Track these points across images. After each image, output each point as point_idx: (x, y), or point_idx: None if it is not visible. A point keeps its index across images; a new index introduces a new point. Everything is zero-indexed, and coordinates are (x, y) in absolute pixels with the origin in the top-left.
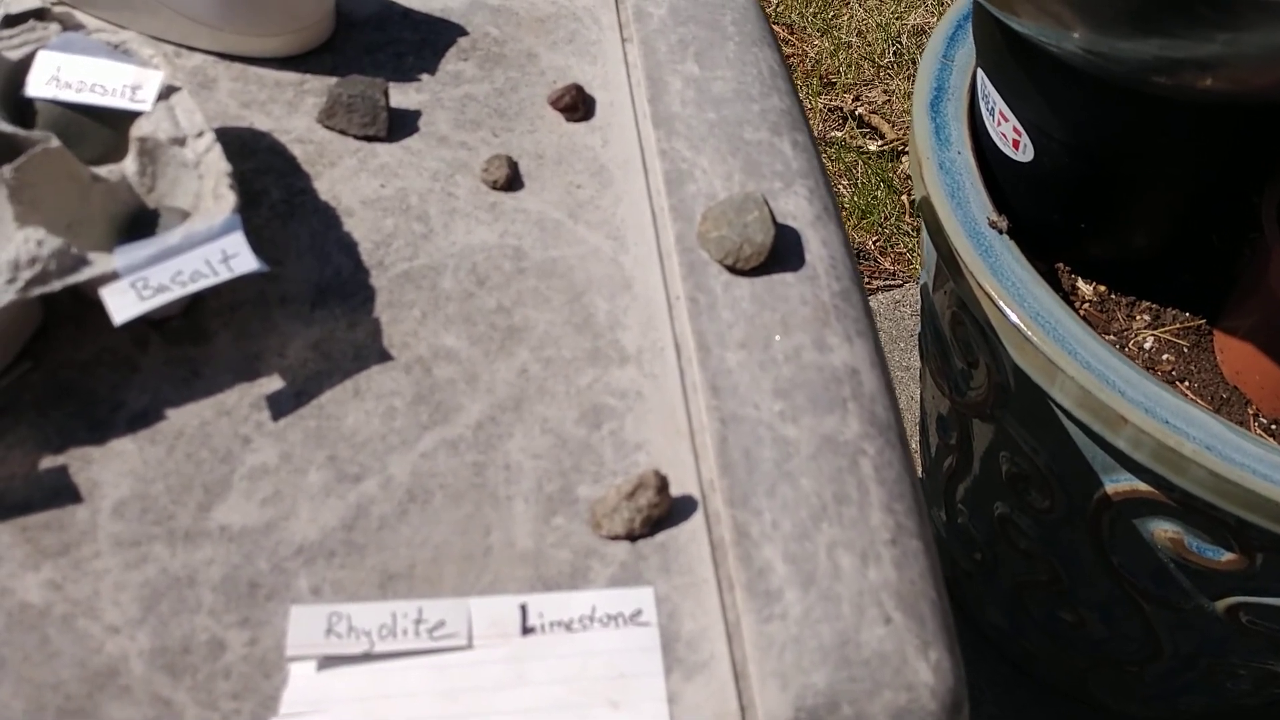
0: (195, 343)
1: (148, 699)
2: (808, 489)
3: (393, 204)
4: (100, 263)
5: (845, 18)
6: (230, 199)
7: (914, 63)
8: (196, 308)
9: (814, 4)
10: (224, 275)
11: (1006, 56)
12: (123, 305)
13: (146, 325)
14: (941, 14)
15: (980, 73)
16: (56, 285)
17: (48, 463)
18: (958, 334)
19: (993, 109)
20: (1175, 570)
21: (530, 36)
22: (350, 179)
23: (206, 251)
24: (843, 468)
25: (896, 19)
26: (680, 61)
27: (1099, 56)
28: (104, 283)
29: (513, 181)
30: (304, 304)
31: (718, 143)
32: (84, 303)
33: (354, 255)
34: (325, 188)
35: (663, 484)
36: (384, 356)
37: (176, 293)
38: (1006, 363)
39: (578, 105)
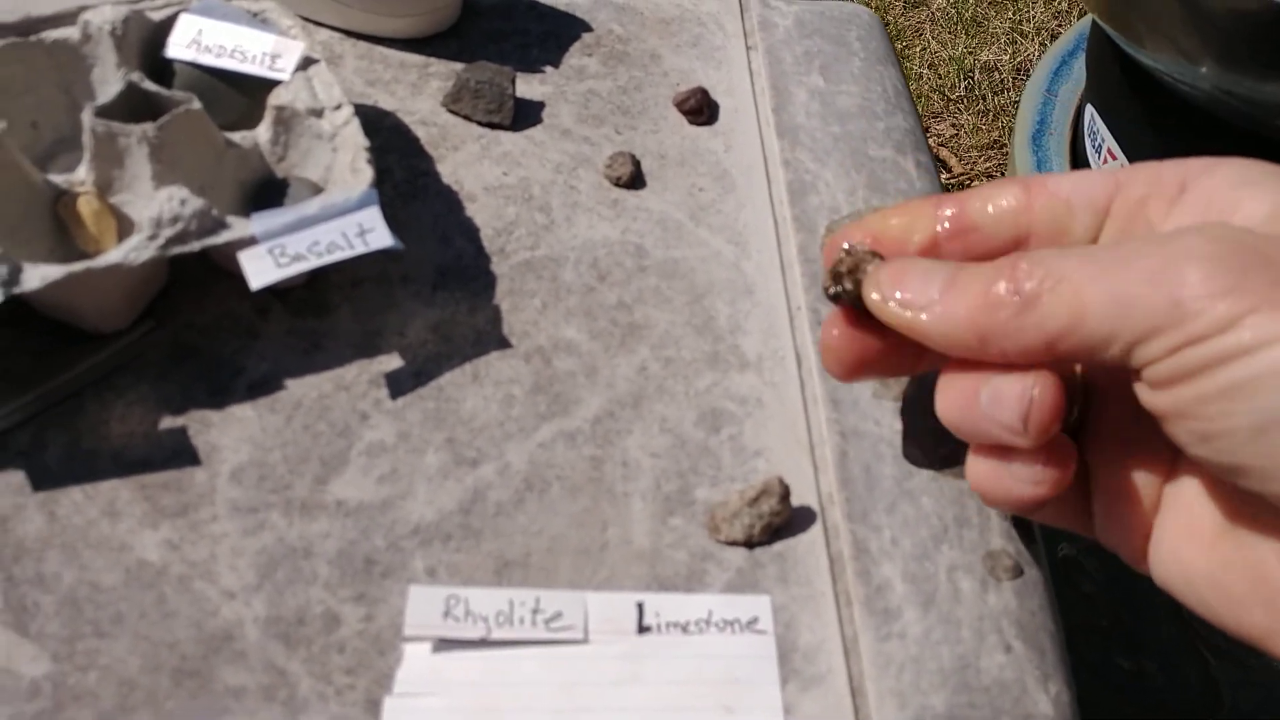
0: (317, 315)
1: (262, 666)
2: (928, 509)
3: (515, 192)
4: (238, 227)
5: (917, 49)
6: (368, 173)
7: (984, 98)
8: (319, 280)
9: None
10: (359, 249)
11: (1123, 92)
12: (260, 271)
13: (270, 294)
14: (1015, 51)
15: (1090, 108)
16: (195, 246)
17: (167, 423)
18: None
19: (1100, 145)
20: None
21: (654, 37)
22: (473, 164)
23: (343, 224)
24: (964, 490)
25: (969, 53)
26: (805, 73)
27: (1229, 95)
28: (240, 247)
29: (635, 179)
30: (425, 285)
31: (841, 157)
32: (207, 266)
33: (475, 240)
34: (448, 171)
35: (785, 493)
36: (504, 343)
37: (312, 263)
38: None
39: (702, 109)
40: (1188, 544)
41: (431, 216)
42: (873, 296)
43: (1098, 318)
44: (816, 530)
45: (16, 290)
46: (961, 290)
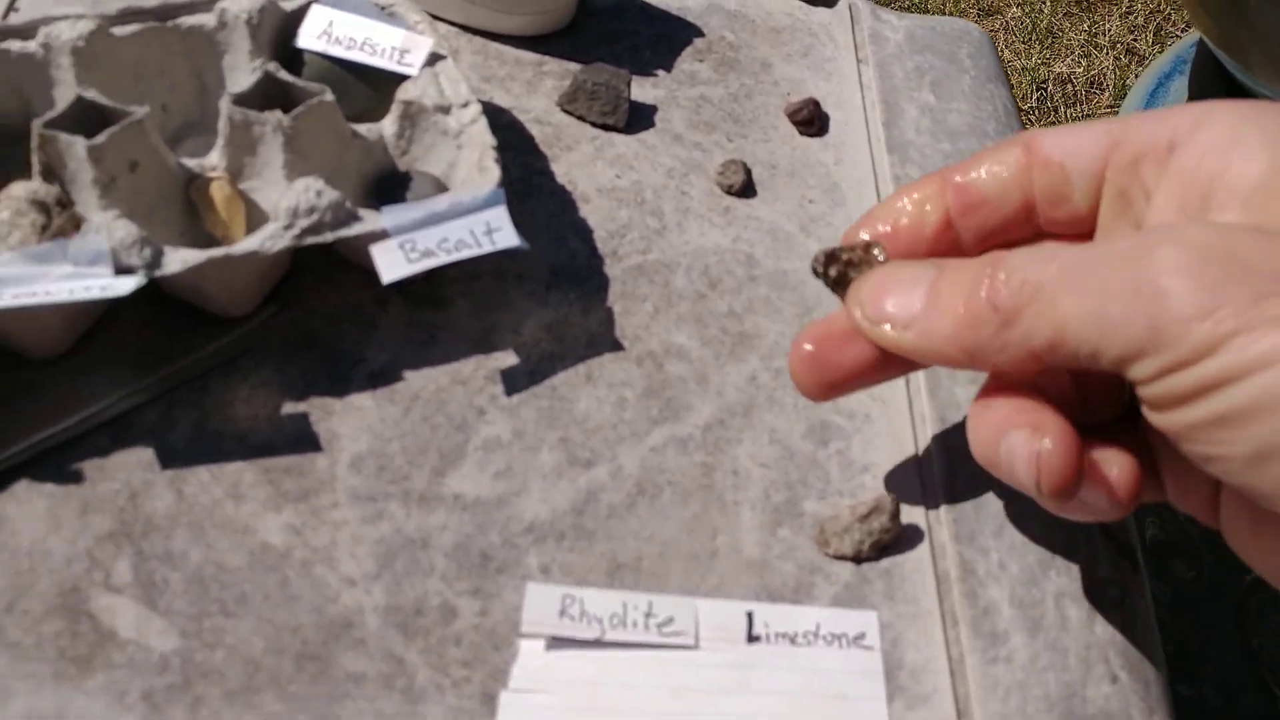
0: (434, 309)
1: (381, 655)
2: (1036, 534)
3: (628, 195)
4: (370, 220)
5: None
6: (495, 172)
7: (1056, 110)
8: (436, 275)
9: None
10: (487, 248)
11: None
12: (391, 264)
13: (390, 286)
14: (1089, 64)
15: None
16: (329, 237)
17: (290, 408)
18: None
19: None
20: None
21: (765, 45)
22: (586, 165)
23: (471, 222)
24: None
25: (1043, 64)
26: (916, 89)
27: None
28: (370, 241)
29: (746, 188)
30: (539, 284)
31: None
32: (329, 256)
33: (589, 241)
34: (562, 171)
35: (896, 510)
36: (616, 346)
37: (441, 259)
38: None
39: (814, 120)
40: (1244, 520)
41: (545, 215)
42: (855, 314)
43: (1078, 336)
44: (924, 549)
45: (158, 273)
46: (944, 306)
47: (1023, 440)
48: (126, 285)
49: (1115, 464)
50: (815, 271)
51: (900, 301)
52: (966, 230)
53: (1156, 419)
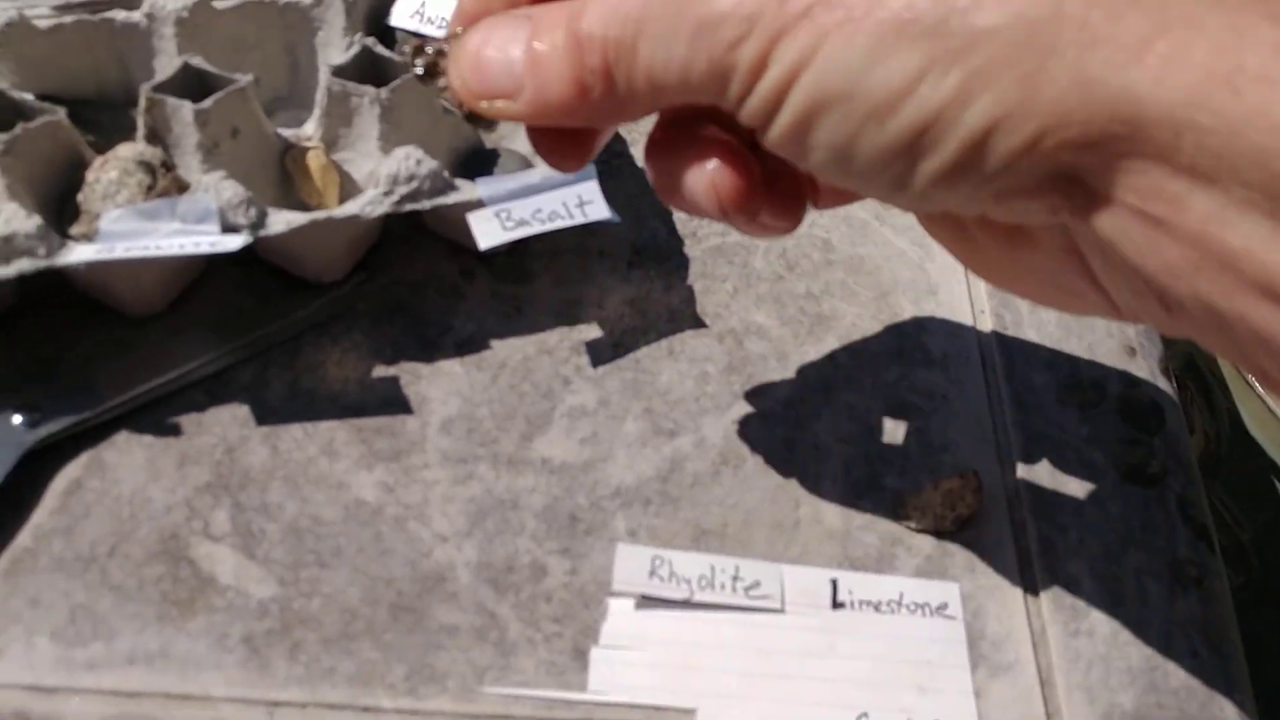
0: (517, 281)
1: (474, 608)
2: (1114, 514)
3: None
4: (466, 189)
5: None
6: None
7: None
8: (520, 249)
9: None
10: (579, 219)
11: None
12: (487, 233)
13: (474, 257)
14: None
15: None
16: (426, 204)
17: (380, 371)
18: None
19: None
20: None
21: None
22: None
23: (564, 194)
24: (1150, 499)
25: None
26: None
27: None
28: (466, 209)
29: None
30: (621, 260)
31: None
32: (415, 226)
33: (668, 222)
34: (640, 154)
35: (979, 486)
36: (697, 323)
37: (535, 229)
38: (1225, 428)
39: None
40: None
41: (625, 197)
42: (463, 94)
43: (667, 84)
44: (1003, 524)
45: (261, 233)
46: (544, 76)
47: (696, 175)
48: (234, 243)
49: (785, 178)
50: (408, 65)
51: (499, 72)
52: None
53: (764, 143)
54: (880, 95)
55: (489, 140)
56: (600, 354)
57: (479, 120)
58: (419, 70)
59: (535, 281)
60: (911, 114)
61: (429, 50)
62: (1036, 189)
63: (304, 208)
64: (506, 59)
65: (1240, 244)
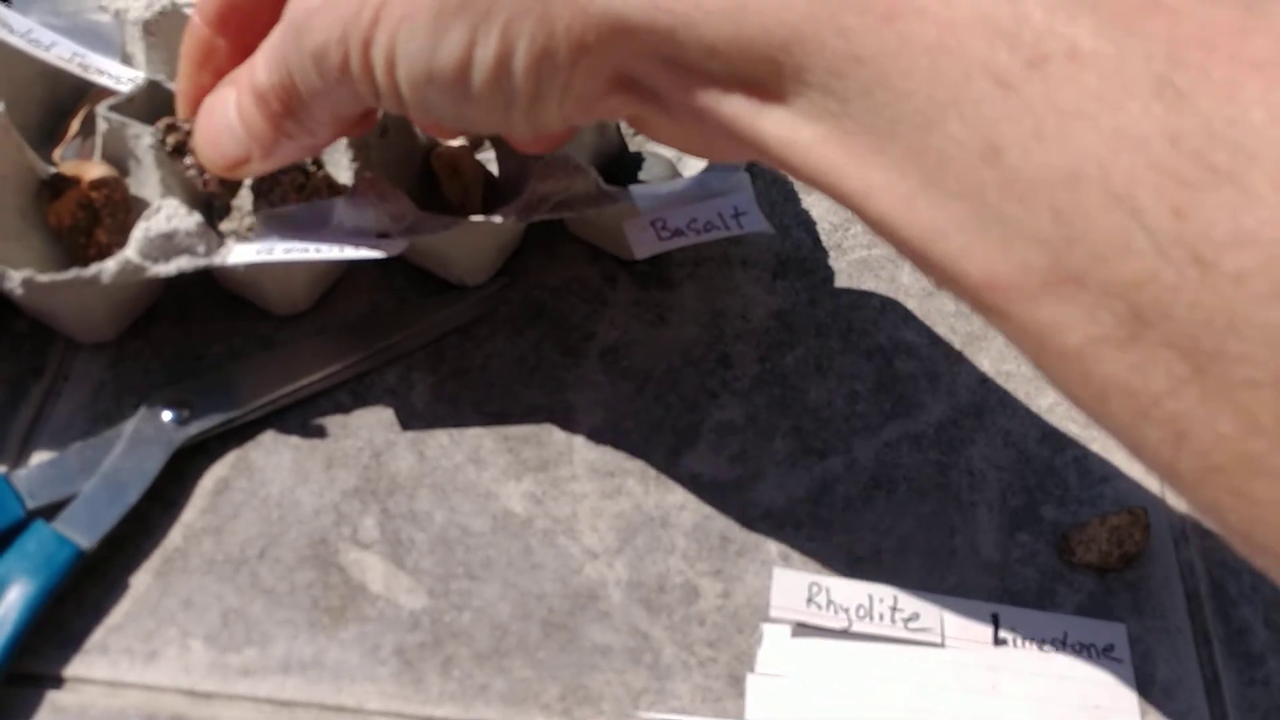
0: (661, 289)
1: (627, 628)
2: None
3: None
4: (619, 197)
5: None
6: None
7: None
8: (662, 255)
9: None
10: (734, 230)
11: None
12: (643, 241)
13: (616, 263)
14: None
15: None
16: (580, 212)
17: (524, 378)
18: None
19: None
20: None
21: None
22: None
23: (719, 204)
24: None
25: None
26: None
27: None
28: (619, 218)
29: None
30: (765, 271)
31: None
32: (556, 231)
33: (813, 232)
34: None
35: (1147, 523)
36: (844, 338)
37: (690, 239)
38: None
39: None
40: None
41: (768, 206)
42: (211, 168)
43: (333, 104)
44: (1171, 564)
45: (415, 238)
46: (254, 132)
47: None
48: (396, 248)
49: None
50: (160, 144)
51: (230, 140)
52: (234, 42)
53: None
54: (452, 68)
55: (634, 144)
56: (746, 367)
57: (225, 184)
58: (169, 149)
59: (678, 289)
60: (481, 74)
61: (182, 128)
62: (605, 93)
63: (446, 206)
64: (229, 126)
65: (729, 111)
